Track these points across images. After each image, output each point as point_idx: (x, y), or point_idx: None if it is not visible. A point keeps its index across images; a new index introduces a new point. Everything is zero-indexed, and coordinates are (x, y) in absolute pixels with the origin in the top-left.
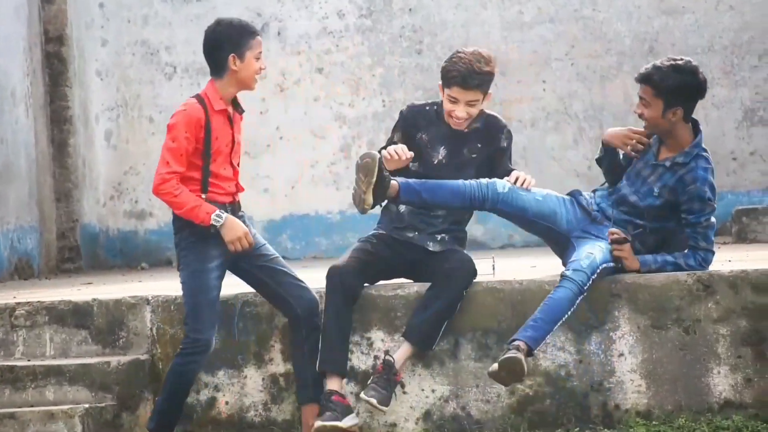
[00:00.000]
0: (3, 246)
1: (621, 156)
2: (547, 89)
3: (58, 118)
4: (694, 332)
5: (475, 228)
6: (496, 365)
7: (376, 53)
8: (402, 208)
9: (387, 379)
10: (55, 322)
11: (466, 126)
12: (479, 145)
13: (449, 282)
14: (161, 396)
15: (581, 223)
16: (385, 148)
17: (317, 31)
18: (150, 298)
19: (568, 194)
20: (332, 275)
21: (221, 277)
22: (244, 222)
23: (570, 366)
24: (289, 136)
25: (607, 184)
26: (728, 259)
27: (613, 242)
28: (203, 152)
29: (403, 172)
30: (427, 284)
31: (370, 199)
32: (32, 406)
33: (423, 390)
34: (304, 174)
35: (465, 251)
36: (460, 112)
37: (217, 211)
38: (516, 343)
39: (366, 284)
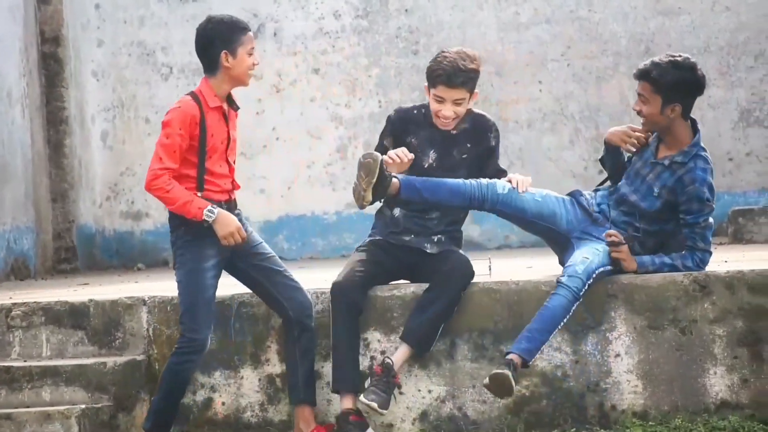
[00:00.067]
0: None
1: (625, 156)
2: (543, 90)
3: (54, 119)
4: (690, 333)
5: (471, 229)
6: (487, 379)
7: (373, 54)
8: (396, 212)
9: (386, 382)
10: (52, 323)
11: (454, 127)
12: (469, 146)
13: (447, 283)
14: (157, 395)
15: (581, 224)
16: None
17: (313, 32)
18: (146, 299)
19: (568, 194)
20: (336, 293)
21: (217, 277)
22: (240, 221)
23: (566, 366)
24: (286, 136)
25: (607, 184)
26: (724, 260)
27: (610, 244)
28: (198, 149)
29: None
30: (424, 284)
31: (369, 196)
32: (29, 406)
33: (420, 390)
34: (300, 175)
35: (462, 251)
36: (447, 112)
37: (210, 206)
38: (509, 357)
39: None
